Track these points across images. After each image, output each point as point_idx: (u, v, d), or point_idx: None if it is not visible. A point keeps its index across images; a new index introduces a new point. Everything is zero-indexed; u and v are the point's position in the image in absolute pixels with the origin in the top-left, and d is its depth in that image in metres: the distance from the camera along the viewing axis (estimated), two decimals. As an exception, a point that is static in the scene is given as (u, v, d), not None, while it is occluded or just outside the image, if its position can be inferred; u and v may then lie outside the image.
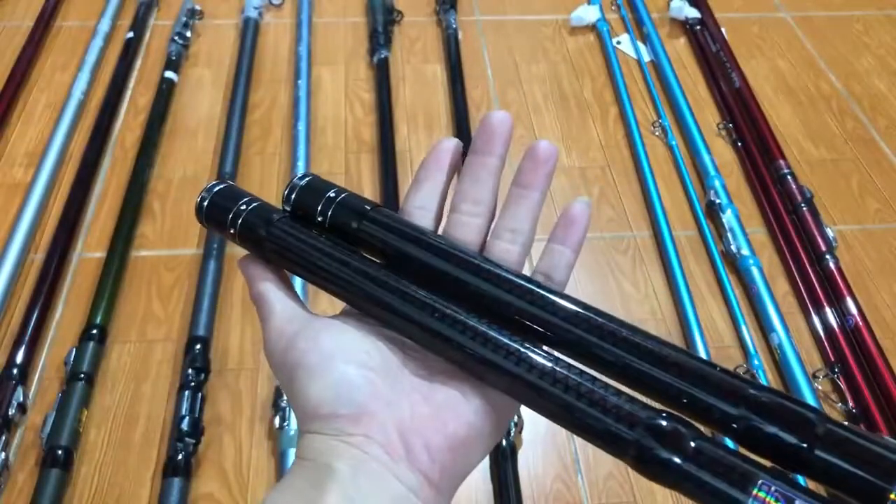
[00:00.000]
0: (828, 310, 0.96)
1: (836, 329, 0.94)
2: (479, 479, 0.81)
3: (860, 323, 0.93)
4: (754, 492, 0.23)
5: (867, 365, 0.90)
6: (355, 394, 0.27)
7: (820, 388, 0.89)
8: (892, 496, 0.22)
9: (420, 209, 0.32)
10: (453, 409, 0.28)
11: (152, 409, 0.85)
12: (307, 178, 0.33)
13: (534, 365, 0.27)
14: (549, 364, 0.27)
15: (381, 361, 0.29)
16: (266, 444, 0.83)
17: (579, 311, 0.28)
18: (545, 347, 0.28)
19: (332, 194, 0.32)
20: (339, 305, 0.32)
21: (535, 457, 0.83)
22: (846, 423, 0.24)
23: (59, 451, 0.78)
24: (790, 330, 0.93)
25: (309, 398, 0.28)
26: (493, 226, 0.32)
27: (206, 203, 0.33)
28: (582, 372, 0.27)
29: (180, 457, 0.78)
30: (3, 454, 0.78)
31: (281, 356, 0.30)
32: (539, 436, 0.85)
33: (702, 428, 0.25)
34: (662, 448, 0.24)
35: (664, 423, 0.25)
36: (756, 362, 0.90)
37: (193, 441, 0.80)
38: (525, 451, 0.83)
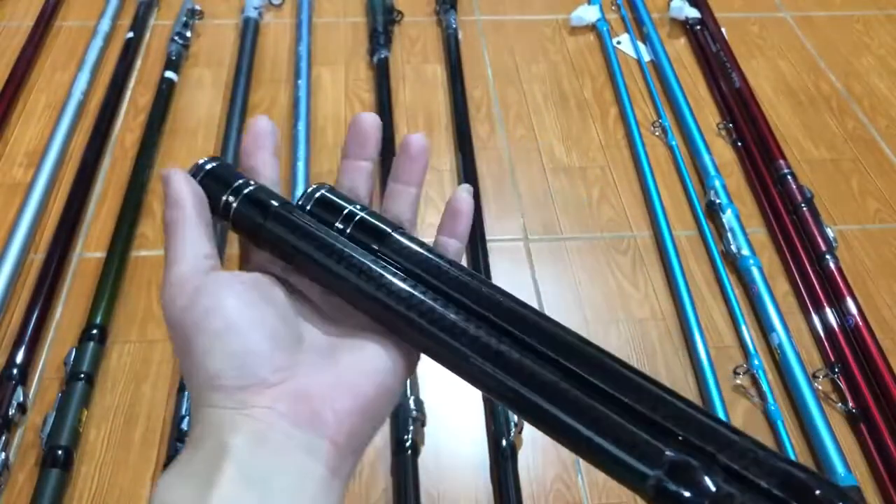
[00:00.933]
0: (828, 310, 0.96)
1: (836, 329, 0.94)
2: (479, 479, 0.81)
3: (860, 323, 0.93)
4: None
5: (867, 365, 0.90)
6: (258, 364, 0.26)
7: (820, 388, 0.89)
8: None
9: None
10: (361, 370, 0.28)
11: (152, 409, 0.85)
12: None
13: (459, 328, 0.28)
14: (468, 325, 0.28)
15: (287, 325, 0.28)
16: (266, 444, 0.83)
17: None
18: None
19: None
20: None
21: (535, 457, 0.83)
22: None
23: (59, 451, 0.78)
24: (790, 330, 0.93)
25: (208, 368, 0.26)
26: None
27: (197, 181, 0.31)
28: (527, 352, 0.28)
29: (180, 457, 0.78)
30: (3, 454, 0.78)
31: (180, 313, 0.28)
32: (539, 436, 0.84)
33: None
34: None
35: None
36: (756, 362, 0.90)
37: (193, 441, 0.79)
38: (525, 451, 0.83)
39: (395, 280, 0.29)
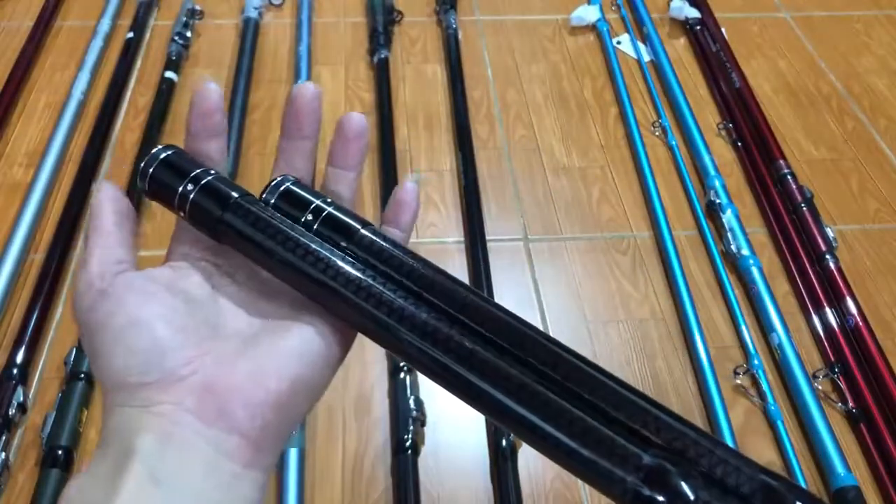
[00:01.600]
0: (828, 310, 0.96)
1: (836, 329, 0.94)
2: (479, 479, 0.81)
3: (860, 323, 0.93)
4: None
5: (867, 365, 0.90)
6: (163, 359, 0.26)
7: (820, 388, 0.89)
8: None
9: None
10: (277, 363, 0.27)
11: (152, 409, 0.85)
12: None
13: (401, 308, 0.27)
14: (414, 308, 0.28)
15: (199, 316, 0.28)
16: (266, 444, 0.83)
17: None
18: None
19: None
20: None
21: (535, 456, 0.83)
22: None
23: (59, 451, 0.78)
24: (790, 330, 0.93)
25: (114, 366, 0.26)
26: None
27: (151, 171, 0.30)
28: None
29: (180, 457, 0.78)
30: (3, 454, 0.78)
31: (86, 315, 0.27)
32: (539, 436, 0.84)
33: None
34: None
35: None
36: (756, 362, 0.90)
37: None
38: (525, 451, 0.83)
39: (359, 275, 0.28)
